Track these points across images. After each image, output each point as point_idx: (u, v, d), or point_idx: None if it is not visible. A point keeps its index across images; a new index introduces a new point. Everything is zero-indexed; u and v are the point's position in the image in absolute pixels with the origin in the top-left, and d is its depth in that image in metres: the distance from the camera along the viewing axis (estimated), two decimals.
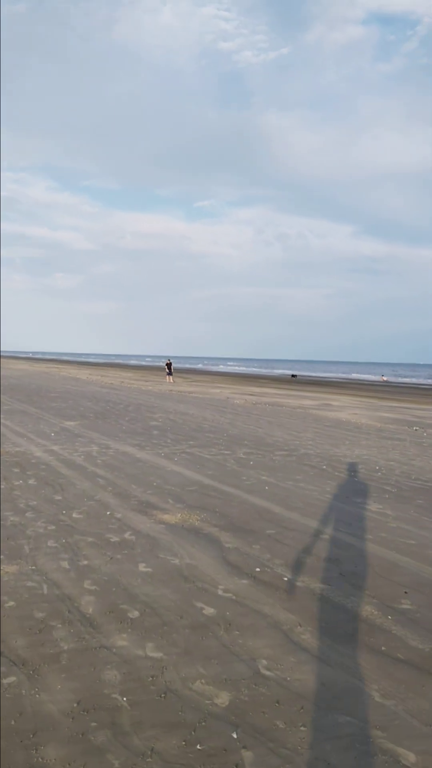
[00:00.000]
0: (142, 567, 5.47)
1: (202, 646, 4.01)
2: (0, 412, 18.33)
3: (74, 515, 7.15)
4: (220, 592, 4.92)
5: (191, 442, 13.40)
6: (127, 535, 6.41)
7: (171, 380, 41.80)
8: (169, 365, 43.15)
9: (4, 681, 3.51)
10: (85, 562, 5.55)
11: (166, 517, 7.18)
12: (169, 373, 42.60)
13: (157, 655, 3.88)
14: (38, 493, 8.17)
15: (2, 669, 3.64)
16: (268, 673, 3.72)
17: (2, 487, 8.50)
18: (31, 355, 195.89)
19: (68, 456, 11.15)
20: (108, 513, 7.29)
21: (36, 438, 13.30)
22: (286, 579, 5.26)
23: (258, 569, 5.49)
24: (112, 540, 6.24)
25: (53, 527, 6.63)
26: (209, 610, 4.57)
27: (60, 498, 7.96)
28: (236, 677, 3.66)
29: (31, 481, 8.91)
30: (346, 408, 24.94)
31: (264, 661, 3.85)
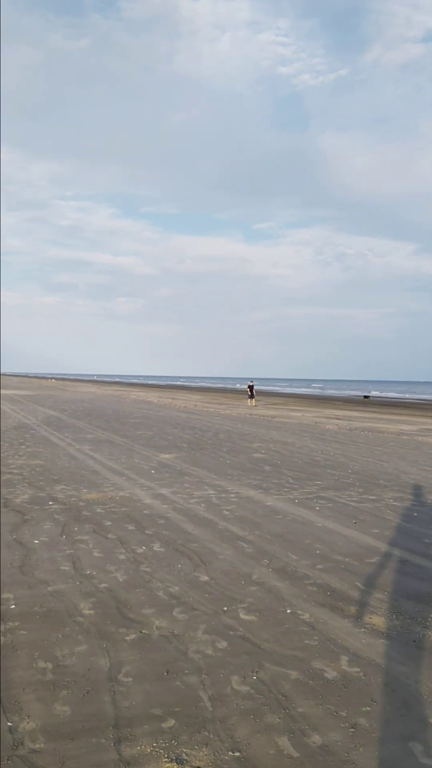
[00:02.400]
0: (426, 761, 3.04)
1: None
2: (86, 441, 16.34)
3: (242, 615, 4.80)
4: None
5: (318, 482, 10.96)
6: (345, 665, 4.00)
7: (252, 403, 39.27)
8: (251, 387, 40.66)
9: None
10: (316, 739, 3.18)
11: (378, 621, 4.74)
12: (251, 396, 40.09)
13: None
14: (174, 569, 5.88)
15: None
16: None
17: (123, 558, 6.26)
18: (95, 378, 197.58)
19: (185, 504, 8.89)
20: (288, 611, 4.91)
21: (136, 477, 11.12)
22: None
23: None
24: (327, 677, 3.85)
25: (224, 643, 4.29)
26: None
27: (207, 579, 5.64)
28: None
29: (156, 547, 6.65)
30: None
31: None
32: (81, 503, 8.83)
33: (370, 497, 9.72)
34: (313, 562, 6.21)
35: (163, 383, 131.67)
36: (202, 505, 8.89)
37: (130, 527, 7.51)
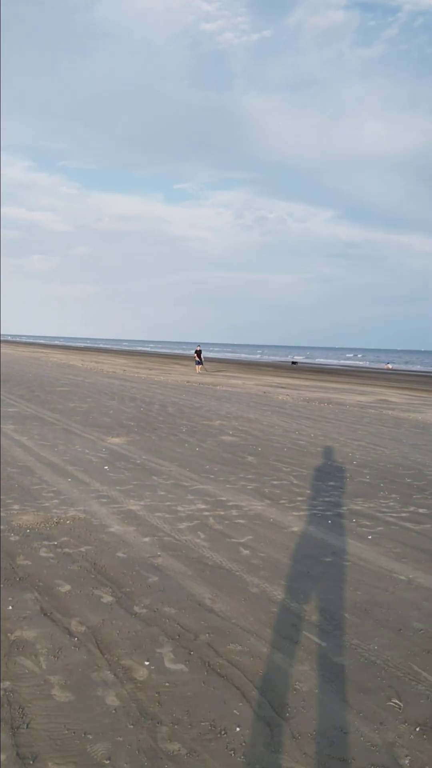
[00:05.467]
0: None
1: None
2: (1, 417, 12.62)
3: None
4: None
5: (332, 484, 8.06)
6: None
7: (200, 370, 35.16)
8: (198, 353, 35.92)
9: None
10: None
11: None
12: (199, 362, 35.44)
13: None
14: (236, 751, 2.70)
15: None
16: None
17: (114, 704, 3.02)
18: (9, 338, 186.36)
19: (173, 533, 5.71)
20: None
21: (86, 477, 7.78)
22: None
23: None
24: None
25: None
26: None
27: None
28: None
29: (170, 660, 3.46)
30: (423, 407, 19.80)
31: None
32: (12, 536, 5.44)
33: (421, 510, 6.89)
34: None
35: (82, 345, 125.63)
36: (201, 535, 5.72)
37: (106, 597, 4.24)
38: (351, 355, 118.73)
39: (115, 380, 25.56)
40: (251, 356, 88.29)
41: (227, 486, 7.74)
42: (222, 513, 6.50)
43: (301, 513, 6.64)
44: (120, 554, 5.12)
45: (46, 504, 6.54)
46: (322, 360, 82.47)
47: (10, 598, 4.16)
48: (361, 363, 76.15)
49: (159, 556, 5.13)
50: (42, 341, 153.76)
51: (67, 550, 5.18)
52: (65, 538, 5.46)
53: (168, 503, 6.80)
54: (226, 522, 6.18)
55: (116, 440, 10.71)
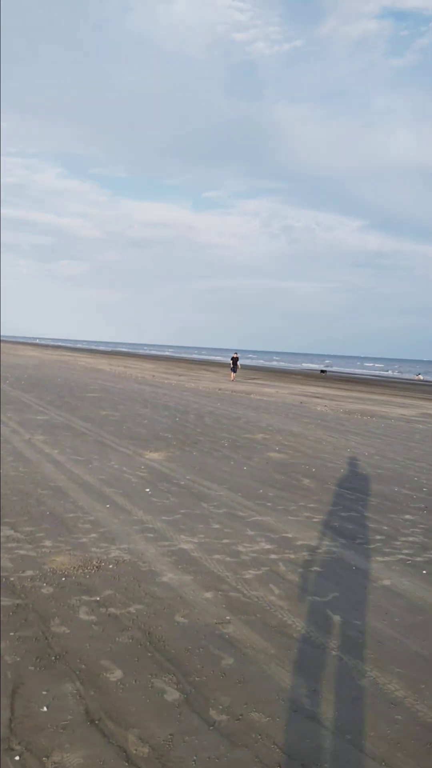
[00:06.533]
0: None
1: None
2: (25, 425, 11.61)
3: None
4: None
5: (408, 518, 6.91)
6: None
7: (233, 377, 33.73)
8: (235, 360, 33.82)
9: None
10: None
11: None
12: (234, 369, 33.56)
13: None
14: None
15: None
16: None
17: None
18: (38, 341, 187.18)
19: (239, 585, 4.62)
20: None
21: (128, 504, 6.71)
22: None
23: None
24: None
25: None
26: None
27: None
28: None
29: None
30: None
31: None
32: (45, 587, 4.36)
33: None
34: None
35: (109, 349, 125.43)
36: (275, 589, 4.58)
37: (171, 693, 3.14)
38: (370, 364, 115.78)
39: (145, 386, 24.57)
40: (269, 363, 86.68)
41: (290, 518, 6.60)
42: (292, 556, 5.36)
43: (387, 558, 5.47)
44: (179, 618, 4.01)
45: (83, 540, 5.47)
46: (341, 368, 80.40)
47: (44, 692, 3.07)
48: (389, 373, 74.11)
49: (228, 622, 4.00)
50: (69, 344, 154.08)
51: (112, 610, 4.08)
52: (109, 591, 4.37)
53: (226, 540, 5.68)
54: (301, 570, 5.04)
55: (155, 455, 9.65)
